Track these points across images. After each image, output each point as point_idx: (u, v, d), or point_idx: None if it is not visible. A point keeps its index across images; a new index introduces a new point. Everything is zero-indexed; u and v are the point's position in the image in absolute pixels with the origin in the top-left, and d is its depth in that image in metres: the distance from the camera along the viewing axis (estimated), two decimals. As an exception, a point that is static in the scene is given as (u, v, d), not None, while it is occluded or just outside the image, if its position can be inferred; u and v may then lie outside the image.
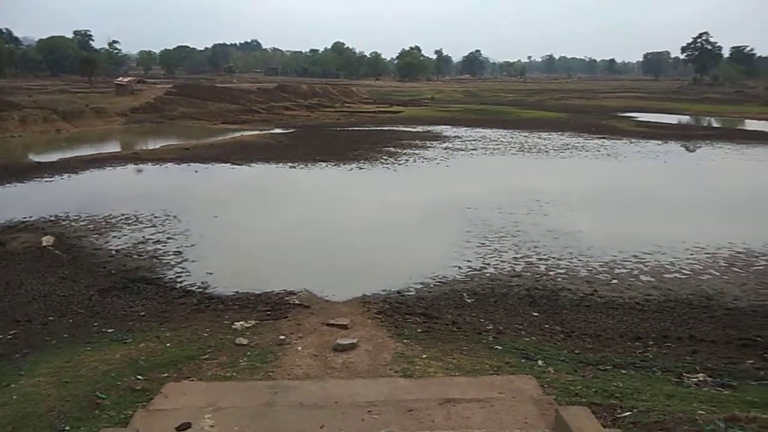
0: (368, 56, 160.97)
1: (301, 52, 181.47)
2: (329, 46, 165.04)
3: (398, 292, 10.63)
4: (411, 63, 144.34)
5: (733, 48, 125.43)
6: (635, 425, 4.98)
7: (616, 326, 9.35)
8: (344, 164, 25.07)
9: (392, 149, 29.51)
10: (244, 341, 7.92)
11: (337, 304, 9.83)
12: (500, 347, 8.13)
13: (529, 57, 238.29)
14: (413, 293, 10.66)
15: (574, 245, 13.62)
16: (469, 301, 10.33)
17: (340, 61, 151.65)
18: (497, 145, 32.11)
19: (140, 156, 26.94)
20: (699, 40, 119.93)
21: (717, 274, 11.87)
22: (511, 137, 35.68)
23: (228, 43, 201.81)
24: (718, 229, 14.96)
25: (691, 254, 13.05)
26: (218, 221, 15.81)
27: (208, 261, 12.41)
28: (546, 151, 29.70)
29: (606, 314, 9.83)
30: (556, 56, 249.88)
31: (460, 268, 12.11)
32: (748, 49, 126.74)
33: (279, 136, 35.01)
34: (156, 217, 15.97)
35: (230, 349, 7.68)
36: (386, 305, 9.79)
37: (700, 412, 5.22)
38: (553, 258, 12.77)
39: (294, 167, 24.45)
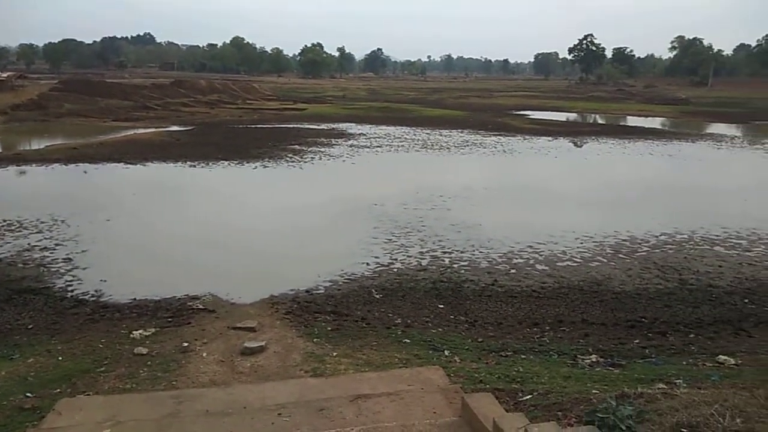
0: (270, 52, 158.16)
1: (198, 46, 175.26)
2: (228, 41, 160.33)
3: (307, 291, 10.55)
4: (314, 60, 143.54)
5: (615, 49, 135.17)
6: (536, 407, 5.26)
7: (515, 314, 9.82)
8: (247, 163, 24.49)
9: (297, 147, 29.20)
10: (144, 350, 7.54)
11: (243, 306, 9.59)
12: (409, 340, 8.30)
13: (429, 56, 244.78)
14: (322, 291, 10.62)
15: (475, 238, 14.14)
16: (377, 296, 10.44)
17: (241, 56, 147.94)
18: (401, 142, 32.65)
19: (23, 156, 24.86)
20: (584, 41, 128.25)
21: (604, 260, 12.76)
22: (415, 134, 36.40)
23: (119, 36, 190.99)
24: (604, 219, 16.08)
25: (581, 243, 13.94)
26: (111, 225, 14.92)
27: (102, 267, 11.68)
28: (447, 148, 30.57)
29: (506, 303, 10.30)
30: (454, 56, 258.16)
31: (368, 264, 12.21)
32: (628, 50, 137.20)
33: (176, 134, 33.57)
34: (42, 222, 14.81)
35: (129, 360, 7.29)
36: (295, 305, 9.69)
37: (593, 391, 5.60)
38: (457, 251, 13.19)
39: (194, 166, 23.56)
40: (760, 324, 9.51)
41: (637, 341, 8.71)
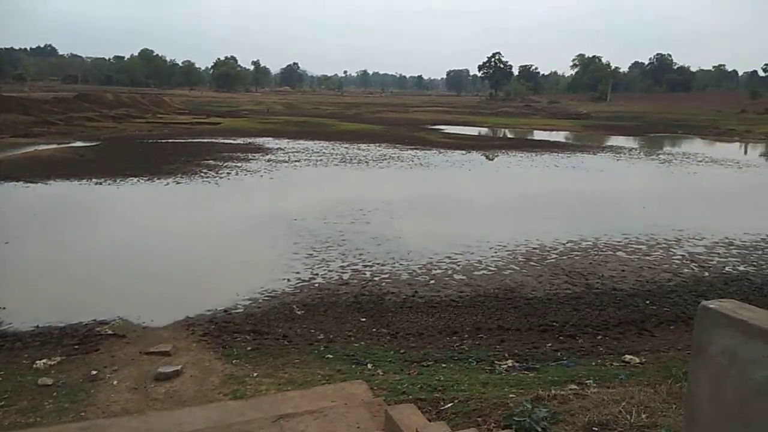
0: (181, 65, 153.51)
1: (104, 58, 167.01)
2: (136, 53, 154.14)
3: (225, 311, 10.25)
4: (227, 73, 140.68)
5: (521, 66, 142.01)
6: (457, 415, 5.38)
7: (435, 323, 10.01)
8: (159, 179, 23.56)
9: (212, 162, 28.43)
10: (49, 381, 7.05)
11: (156, 329, 9.18)
12: (331, 355, 8.26)
13: (345, 71, 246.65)
14: (241, 310, 10.36)
15: (395, 250, 14.32)
16: (299, 312, 10.32)
17: (150, 69, 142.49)
18: (320, 156, 32.59)
19: None
20: (492, 59, 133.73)
21: (517, 268, 13.28)
22: (333, 149, 36.46)
23: (16, 47, 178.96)
24: (516, 228, 16.74)
25: (495, 252, 14.44)
26: (10, 248, 13.88)
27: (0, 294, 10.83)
28: (366, 162, 30.83)
29: (426, 313, 10.48)
30: (370, 72, 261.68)
31: (289, 280, 12.05)
32: (533, 67, 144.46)
33: (81, 150, 31.80)
34: (-74, 247, 13.55)
35: (32, 392, 6.78)
36: (212, 326, 9.39)
37: (510, 395, 5.81)
38: (378, 264, 13.30)
39: (100, 183, 22.38)
40: (660, 324, 10.20)
41: (549, 345, 9.11)
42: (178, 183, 23.05)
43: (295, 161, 30.32)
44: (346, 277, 12.40)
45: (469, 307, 10.82)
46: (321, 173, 27.12)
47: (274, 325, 9.63)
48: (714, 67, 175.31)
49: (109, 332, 8.94)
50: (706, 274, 13.12)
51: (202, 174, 25.07)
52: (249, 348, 8.44)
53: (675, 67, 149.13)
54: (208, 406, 6.13)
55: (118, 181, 22.90)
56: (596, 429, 3.88)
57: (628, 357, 8.20)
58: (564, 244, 15.28)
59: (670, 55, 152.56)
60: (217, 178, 24.25)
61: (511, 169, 30.95)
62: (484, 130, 57.82)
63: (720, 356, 2.21)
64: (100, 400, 6.53)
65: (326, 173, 27.18)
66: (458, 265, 13.35)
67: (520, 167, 31.32)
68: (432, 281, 12.25)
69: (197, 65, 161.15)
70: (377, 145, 39.20)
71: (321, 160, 31.23)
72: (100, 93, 67.20)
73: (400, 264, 13.35)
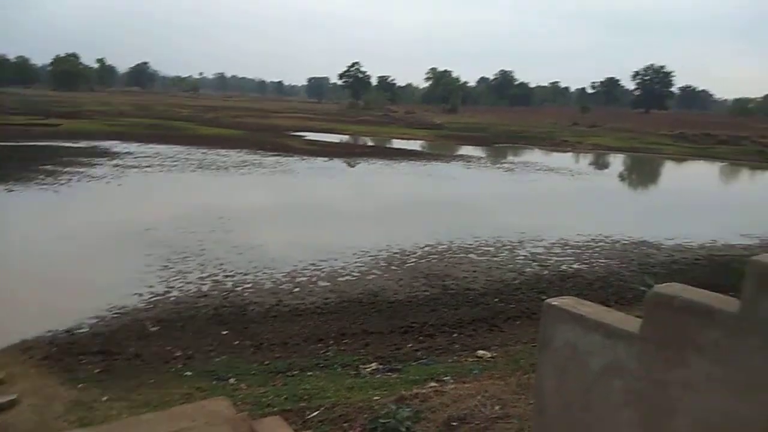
0: (13, 60, 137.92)
1: None
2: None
3: (68, 332, 9.35)
4: (68, 71, 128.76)
5: (379, 77, 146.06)
6: (323, 422, 5.39)
7: (300, 332, 9.95)
8: (-16, 187, 20.93)
9: (51, 167, 25.80)
10: None
11: (-15, 356, 8.14)
12: (191, 373, 7.87)
13: (201, 73, 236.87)
14: (87, 330, 9.51)
15: (258, 259, 14.01)
16: (153, 329, 9.70)
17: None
18: (174, 162, 30.94)
19: None
20: (352, 69, 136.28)
21: (379, 273, 13.62)
22: (189, 154, 34.80)
23: None
24: (378, 234, 17.17)
25: (359, 258, 14.69)
26: None
27: None
28: (226, 168, 29.84)
29: (291, 321, 10.38)
30: (228, 75, 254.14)
31: (141, 295, 11.28)
32: (390, 78, 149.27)
33: None
34: None
35: None
36: (53, 348, 8.53)
37: (375, 398, 5.94)
38: (240, 273, 12.92)
39: None
40: (508, 319, 11.02)
41: (410, 345, 9.45)
42: (10, 191, 20.64)
43: (147, 167, 28.51)
44: (205, 288, 11.89)
45: (334, 313, 10.89)
46: (176, 180, 25.77)
47: (125, 345, 8.96)
48: (550, 83, 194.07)
49: (-77, 363, 7.76)
50: (546, 272, 14.40)
51: (39, 181, 22.67)
52: (97, 370, 7.78)
53: (516, 83, 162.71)
54: (49, 438, 5.55)
55: (-69, 188, 19.98)
56: (455, 423, 4.10)
57: (480, 352, 8.75)
58: (422, 248, 15.94)
59: (512, 72, 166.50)
60: (56, 186, 22.07)
61: (373, 176, 31.69)
62: (345, 138, 58.56)
63: (563, 349, 2.46)
64: None
65: (182, 180, 25.88)
66: (323, 272, 13.38)
67: (381, 174, 32.16)
68: (296, 289, 12.16)
69: (32, 61, 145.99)
70: (237, 150, 38.12)
71: (176, 165, 29.67)
72: None
73: (264, 273, 13.09)
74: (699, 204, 27.76)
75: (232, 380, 7.56)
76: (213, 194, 22.89)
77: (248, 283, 12.37)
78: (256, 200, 21.73)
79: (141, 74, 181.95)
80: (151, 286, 11.80)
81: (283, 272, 13.18)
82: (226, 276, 12.74)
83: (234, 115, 77.99)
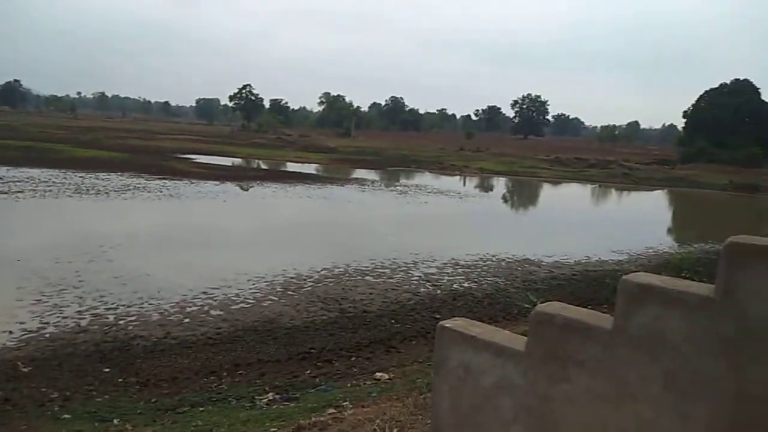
0: None
1: None
2: None
3: None
4: None
5: (272, 100, 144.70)
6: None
7: (191, 365, 9.50)
8: None
9: None
10: None
11: None
12: (69, 415, 7.26)
13: (79, 93, 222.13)
14: (-58, 375, 8.49)
15: (143, 289, 13.25)
16: (25, 370, 8.84)
17: None
18: (48, 186, 28.62)
19: None
20: (243, 91, 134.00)
21: (275, 299, 13.37)
22: (65, 178, 32.37)
23: None
24: (273, 259, 16.86)
25: (254, 284, 14.34)
26: None
27: None
28: (106, 192, 28.07)
29: (181, 355, 9.89)
30: (109, 94, 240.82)
31: (11, 332, 10.26)
32: (283, 101, 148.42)
33: None
34: None
35: None
36: None
37: (272, 430, 5.79)
38: (123, 306, 12.13)
39: None
40: (404, 340, 11.22)
41: (308, 372, 9.34)
42: None
43: (17, 192, 26.13)
44: (84, 323, 11.05)
45: (227, 343, 10.52)
46: (50, 205, 23.86)
47: (-9, 389, 8.10)
48: (438, 110, 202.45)
49: None
50: (439, 291, 14.86)
51: None
52: (-44, 421, 6.96)
53: (407, 109, 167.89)
54: None
55: None
56: (355, 449, 4.11)
57: (378, 374, 8.82)
58: (319, 271, 15.86)
59: (402, 98, 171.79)
60: None
61: (267, 200, 31.18)
62: (237, 161, 57.26)
63: (457, 369, 2.56)
64: None
65: (58, 206, 24.01)
66: (215, 300, 12.91)
67: (276, 198, 31.73)
68: (186, 320, 11.62)
69: None
70: (119, 174, 36.03)
71: (50, 190, 27.45)
72: None
73: (150, 304, 12.39)
74: (574, 223, 29.97)
75: (116, 421, 7.06)
76: (92, 221, 21.43)
77: (132, 315, 11.65)
78: (140, 227, 20.60)
79: (11, 92, 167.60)
80: (22, 323, 10.76)
81: (172, 302, 12.56)
82: (108, 309, 11.91)
83: (116, 136, 73.79)
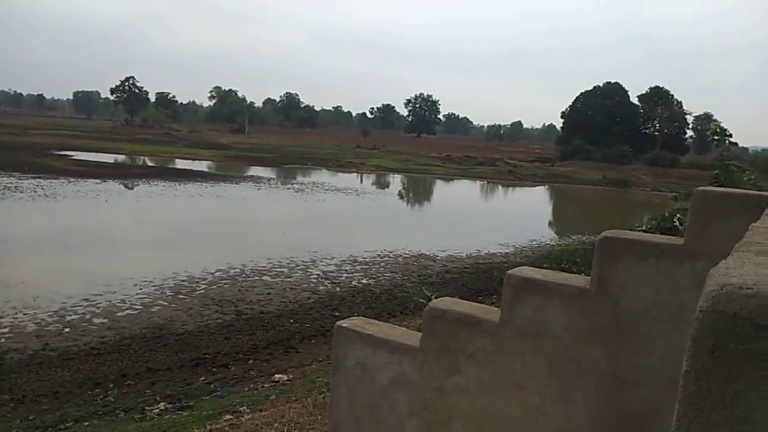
0: None
1: None
2: None
3: None
4: None
5: (158, 93, 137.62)
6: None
7: (73, 377, 8.87)
8: None
9: None
10: None
11: None
12: (-74, 443, 6.52)
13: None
14: None
15: (17, 298, 12.15)
16: None
17: None
18: None
19: None
20: (126, 83, 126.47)
21: (166, 303, 12.77)
22: None
23: None
24: (162, 262, 16.08)
25: (141, 289, 13.60)
26: None
27: None
28: (-32, 194, 25.41)
29: (61, 367, 9.20)
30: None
31: None
32: (171, 95, 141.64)
33: None
34: None
35: None
36: None
37: (165, 440, 5.54)
38: (-9, 317, 11.06)
39: None
40: (303, 339, 11.14)
41: (202, 378, 9.02)
42: None
43: None
44: (-56, 338, 9.96)
45: (113, 353, 9.91)
46: None
47: None
48: (333, 107, 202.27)
49: None
50: (338, 289, 14.90)
51: None
52: None
53: (302, 106, 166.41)
54: None
55: None
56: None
57: (277, 376, 8.71)
58: (213, 273, 15.34)
59: (297, 95, 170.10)
60: None
61: (154, 198, 29.64)
62: (121, 158, 53.93)
63: (354, 368, 2.59)
64: None
65: None
66: (98, 308, 12.10)
67: (164, 197, 30.26)
68: (67, 329, 10.81)
69: None
70: (-16, 173, 32.75)
71: None
72: None
73: (24, 314, 11.39)
74: (465, 218, 31.19)
75: (-15, 445, 6.44)
76: (-48, 225, 19.33)
77: (5, 327, 10.65)
78: (12, 230, 18.85)
79: None
80: None
81: (50, 311, 11.62)
82: (-26, 321, 10.82)
83: (-20, 131, 66.89)
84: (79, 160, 46.08)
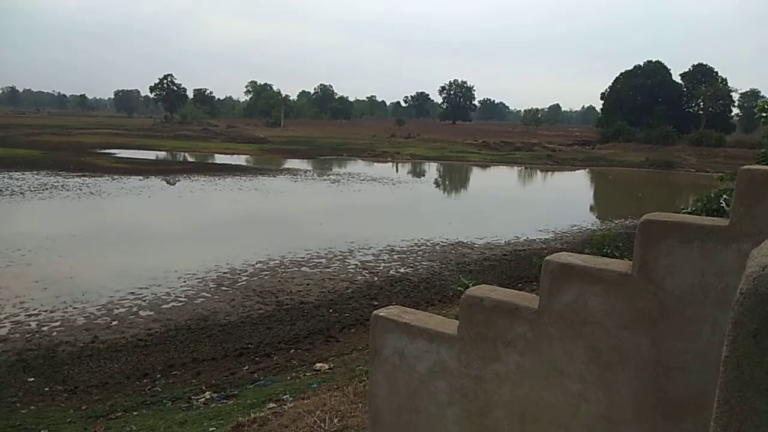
0: None
1: None
2: None
3: None
4: None
5: (195, 90, 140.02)
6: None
7: (122, 369, 9.17)
8: None
9: None
10: None
11: None
12: (-11, 432, 6.85)
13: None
14: None
15: (67, 293, 12.62)
16: (-64, 387, 8.27)
17: None
18: (-48, 188, 26.67)
19: None
20: (165, 81, 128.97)
21: (209, 295, 13.06)
22: (-29, 179, 30.25)
23: None
24: (204, 255, 16.42)
25: (185, 282, 13.94)
26: None
27: None
28: (21, 193, 26.45)
29: (110, 359, 9.52)
30: (20, 89, 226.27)
31: None
32: (208, 91, 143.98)
33: None
34: None
35: None
36: None
37: (211, 429, 5.68)
38: (45, 311, 11.52)
39: None
40: (343, 329, 11.24)
41: (246, 368, 9.20)
42: None
43: None
44: (4, 332, 10.43)
45: (159, 344, 10.20)
46: (-43, 209, 22.24)
47: None
48: (367, 97, 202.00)
49: None
50: (376, 278, 14.96)
51: None
52: None
53: (336, 97, 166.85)
54: None
55: None
56: (296, 443, 4.09)
57: (318, 365, 8.81)
58: (253, 265, 15.60)
59: (331, 86, 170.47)
60: None
61: (195, 193, 30.27)
62: (162, 154, 55.23)
63: (392, 357, 2.59)
64: None
65: (-36, 209, 22.40)
66: (144, 301, 12.46)
67: (204, 191, 30.86)
68: (114, 322, 11.17)
69: None
70: (35, 172, 34.03)
71: (-45, 193, 25.60)
72: None
73: (74, 308, 11.83)
74: (503, 204, 30.85)
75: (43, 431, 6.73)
76: (8, 223, 20.15)
77: (56, 321, 11.09)
78: (60, 227, 19.56)
79: None
80: (-71, 337, 10.04)
81: (98, 305, 12.04)
82: (29, 315, 11.28)
83: (30, 132, 69.46)
84: (122, 157, 47.38)
